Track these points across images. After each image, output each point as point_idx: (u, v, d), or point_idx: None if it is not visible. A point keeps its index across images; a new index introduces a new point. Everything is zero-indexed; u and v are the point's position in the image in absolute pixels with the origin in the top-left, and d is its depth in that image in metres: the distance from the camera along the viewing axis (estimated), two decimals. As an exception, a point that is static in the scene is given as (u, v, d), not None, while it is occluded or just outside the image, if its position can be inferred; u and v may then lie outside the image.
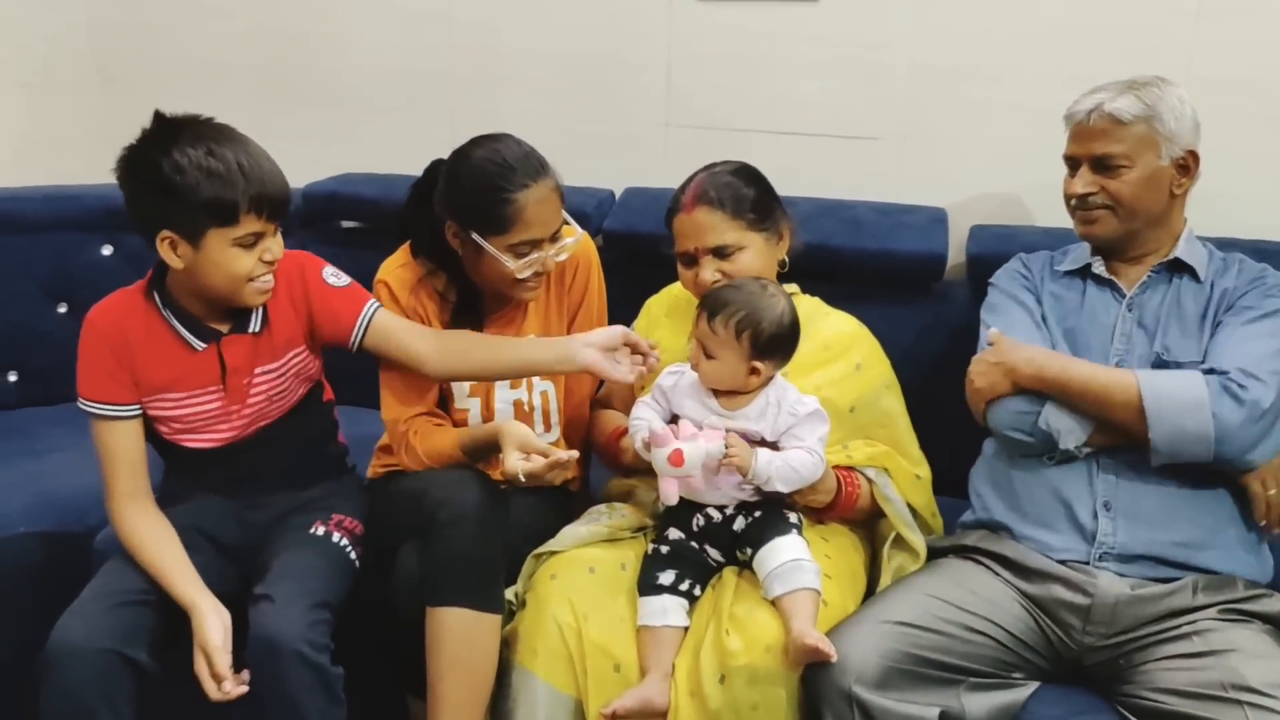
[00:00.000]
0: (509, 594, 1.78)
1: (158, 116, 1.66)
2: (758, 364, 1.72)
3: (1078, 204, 1.85)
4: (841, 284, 2.13)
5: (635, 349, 1.82)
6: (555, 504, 1.97)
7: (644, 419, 1.77)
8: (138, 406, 1.76)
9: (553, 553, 1.79)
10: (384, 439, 2.02)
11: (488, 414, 1.97)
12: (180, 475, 1.86)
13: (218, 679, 1.62)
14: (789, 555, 1.67)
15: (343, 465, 2.00)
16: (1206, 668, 1.57)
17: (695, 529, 1.77)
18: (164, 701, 1.67)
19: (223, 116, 1.69)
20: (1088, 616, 1.67)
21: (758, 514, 1.75)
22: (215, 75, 3.01)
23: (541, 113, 2.69)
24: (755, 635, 1.61)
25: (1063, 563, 1.72)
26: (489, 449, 1.80)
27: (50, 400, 2.63)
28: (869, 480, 1.85)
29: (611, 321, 2.10)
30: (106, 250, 2.69)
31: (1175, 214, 1.86)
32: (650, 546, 1.78)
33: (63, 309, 2.68)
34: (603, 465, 2.07)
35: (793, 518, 1.76)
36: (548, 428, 2.03)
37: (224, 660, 1.62)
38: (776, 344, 1.73)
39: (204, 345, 1.75)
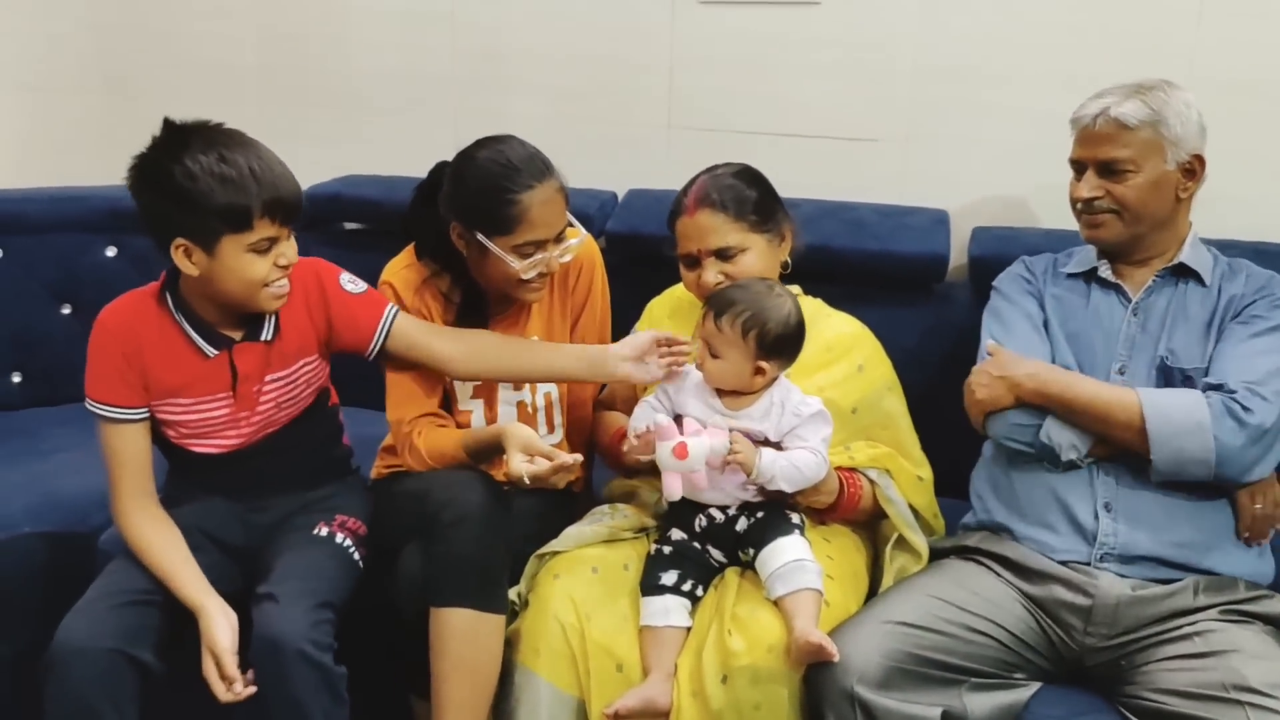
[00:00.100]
0: (512, 594, 1.78)
1: (167, 123, 1.65)
2: (763, 364, 1.73)
3: (1083, 208, 1.85)
4: (843, 285, 2.13)
5: (669, 344, 1.82)
6: (558, 504, 1.98)
7: (647, 416, 1.77)
8: (146, 409, 1.76)
9: (555, 553, 1.80)
10: (387, 440, 2.03)
11: (491, 415, 1.98)
12: (185, 478, 1.86)
13: (227, 681, 1.62)
14: (791, 556, 1.68)
15: (347, 467, 2.01)
16: (1208, 668, 1.57)
17: (698, 529, 1.77)
18: (168, 701, 1.68)
19: (225, 118, 1.69)
20: (1089, 617, 1.68)
21: (760, 515, 1.75)
22: (218, 77, 3.02)
23: (544, 114, 2.69)
24: (758, 635, 1.62)
25: (1064, 563, 1.73)
26: (492, 450, 1.81)
27: (54, 401, 2.64)
28: (871, 481, 1.86)
29: (615, 323, 2.11)
30: (111, 252, 2.70)
31: (1180, 218, 1.86)
32: (653, 547, 1.79)
33: (67, 310, 2.69)
34: (605, 466, 2.07)
35: (795, 518, 1.76)
36: (551, 429, 2.04)
37: (233, 662, 1.63)
38: (782, 344, 1.74)
39: (216, 352, 1.75)
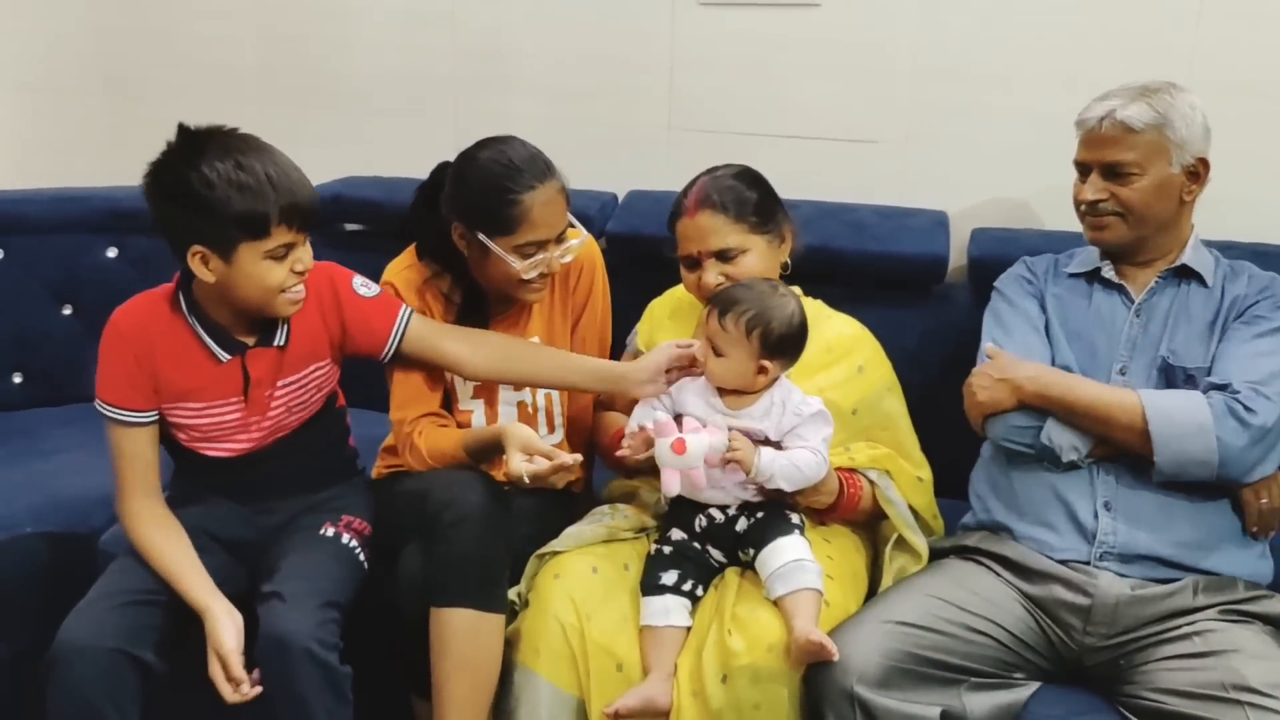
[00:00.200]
0: (512, 594, 1.78)
1: (182, 129, 1.64)
2: (766, 363, 1.73)
3: (1088, 210, 1.85)
4: (843, 286, 2.14)
5: (683, 355, 1.82)
6: (558, 505, 1.98)
7: (647, 415, 1.78)
8: (155, 412, 1.76)
9: (555, 553, 1.80)
10: (388, 440, 2.03)
11: (492, 415, 1.99)
12: (192, 479, 1.86)
13: (234, 682, 1.62)
14: (791, 555, 1.68)
15: (353, 467, 2.01)
16: (1207, 668, 1.57)
17: (698, 529, 1.77)
18: (169, 700, 1.68)
19: (226, 119, 1.68)
20: (1088, 617, 1.68)
21: (760, 515, 1.75)
22: (219, 78, 3.02)
23: (545, 115, 2.70)
24: (757, 635, 1.62)
25: (1063, 563, 1.73)
26: (492, 450, 1.81)
27: (55, 401, 2.64)
28: (871, 482, 1.86)
29: (615, 324, 2.12)
30: (112, 252, 2.70)
31: (1184, 220, 1.86)
32: (653, 547, 1.79)
33: (68, 310, 2.69)
34: (606, 466, 2.08)
35: (795, 518, 1.76)
36: (551, 429, 2.04)
37: (239, 663, 1.63)
38: (786, 343, 1.74)
39: (229, 357, 1.75)
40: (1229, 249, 1.94)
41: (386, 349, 1.86)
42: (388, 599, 1.77)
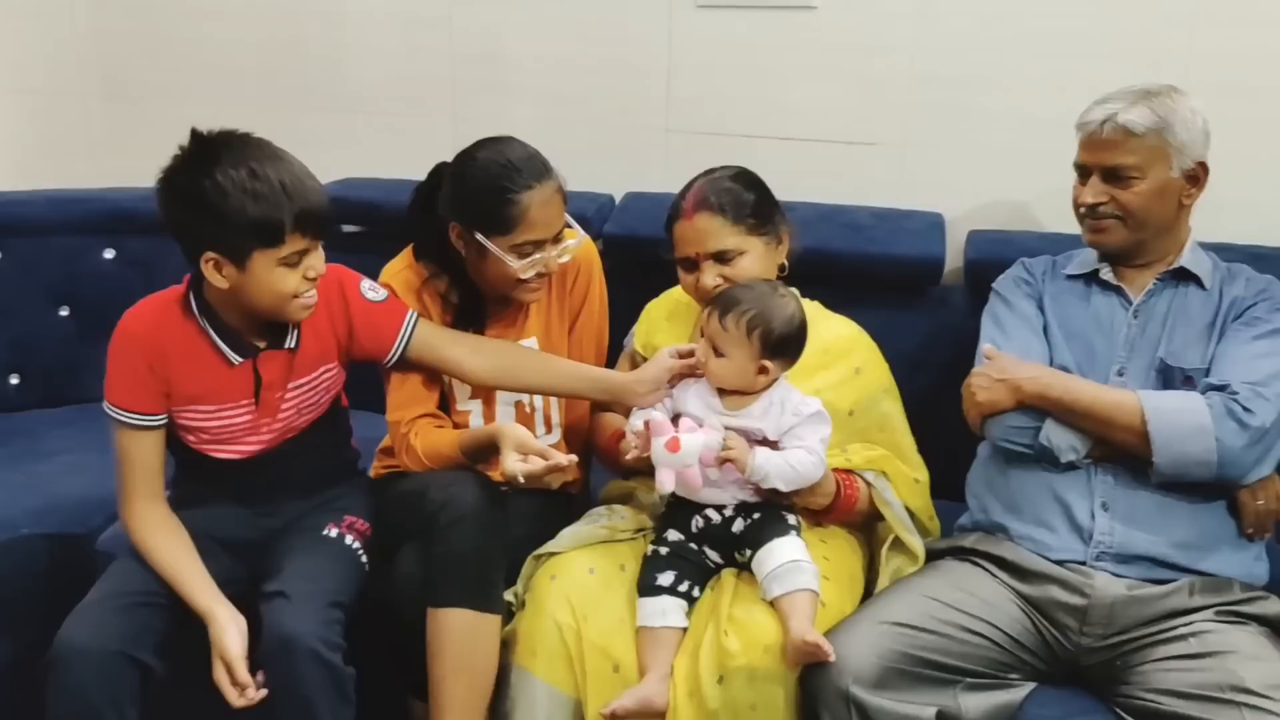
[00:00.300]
0: (508, 595, 1.79)
1: (195, 135, 1.63)
2: (767, 363, 1.74)
3: (1087, 213, 1.85)
4: (840, 288, 2.14)
5: (683, 358, 1.83)
6: (555, 506, 1.98)
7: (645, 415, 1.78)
8: (165, 416, 1.76)
9: (552, 554, 1.80)
10: (385, 441, 2.04)
11: (489, 415, 1.99)
12: (196, 482, 1.86)
13: (240, 686, 1.62)
14: (788, 556, 1.68)
15: (354, 468, 2.02)
16: (1204, 669, 1.58)
17: (694, 530, 1.78)
18: (168, 702, 1.68)
19: (224, 122, 1.68)
20: (1084, 617, 1.68)
21: (757, 515, 1.76)
22: (218, 81, 3.02)
23: (542, 118, 2.70)
24: (754, 636, 1.62)
25: (1060, 563, 1.73)
26: (488, 450, 1.81)
27: (53, 403, 2.65)
28: (867, 484, 1.86)
29: (612, 325, 2.12)
30: (109, 254, 2.70)
31: (1182, 223, 1.87)
32: (649, 548, 1.79)
33: (65, 312, 2.69)
34: (603, 467, 2.08)
35: (791, 519, 1.76)
36: (548, 429, 2.04)
37: (244, 668, 1.63)
38: (786, 344, 1.75)
39: (241, 360, 1.75)
40: (1225, 251, 1.94)
41: (391, 353, 1.87)
42: (385, 600, 1.77)
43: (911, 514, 1.89)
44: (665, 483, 1.69)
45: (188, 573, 1.71)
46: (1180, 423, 1.68)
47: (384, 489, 1.95)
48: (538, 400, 2.02)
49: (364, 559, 1.82)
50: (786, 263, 1.95)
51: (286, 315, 1.72)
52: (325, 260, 1.71)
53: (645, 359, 1.97)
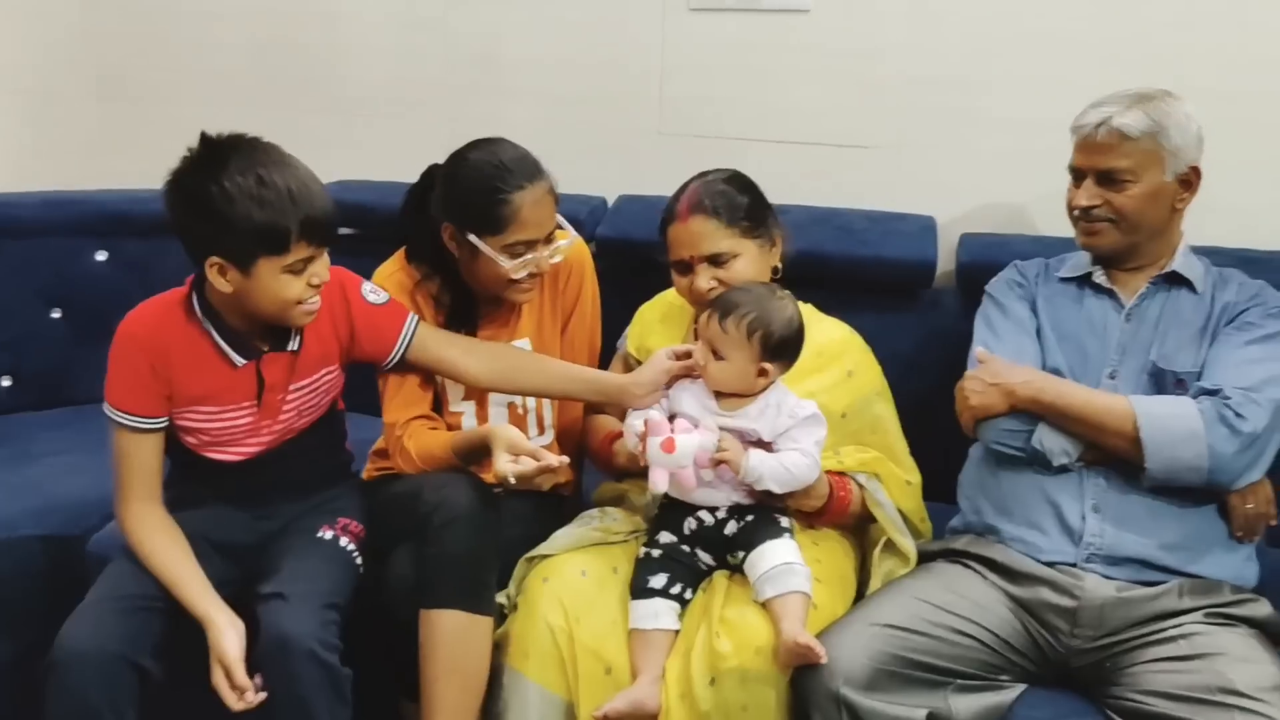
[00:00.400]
0: (500, 597, 1.79)
1: (205, 139, 1.63)
2: (767, 365, 1.74)
3: (1081, 215, 1.86)
4: (833, 291, 2.14)
5: (682, 360, 1.83)
6: (548, 508, 1.98)
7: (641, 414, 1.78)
8: (165, 419, 1.76)
9: (544, 556, 1.80)
10: (378, 443, 2.04)
11: (482, 416, 1.99)
12: (193, 484, 1.85)
13: (239, 690, 1.62)
14: (780, 558, 1.68)
15: (348, 470, 2.02)
16: (1193, 671, 1.58)
17: (687, 532, 1.78)
18: (166, 705, 1.68)
19: (219, 123, 1.68)
20: (1075, 619, 1.69)
21: (750, 518, 1.76)
22: (213, 82, 3.02)
23: (536, 120, 2.70)
24: (746, 638, 1.63)
25: (1050, 565, 1.74)
26: (480, 451, 1.81)
27: (45, 405, 2.64)
28: (860, 486, 1.87)
29: (605, 327, 2.13)
30: (101, 256, 2.70)
31: (1174, 227, 1.88)
32: (642, 550, 1.79)
33: (57, 314, 2.68)
34: (595, 469, 2.08)
35: (784, 521, 1.77)
36: (541, 431, 2.05)
37: (243, 672, 1.63)
38: (785, 346, 1.76)
39: (244, 362, 1.75)
40: (1214, 254, 1.95)
41: (392, 356, 1.87)
42: (377, 601, 1.77)
43: (904, 516, 1.89)
44: (659, 483, 1.70)
45: (186, 576, 1.71)
46: (1172, 428, 1.68)
47: (377, 491, 1.95)
48: (530, 402, 2.02)
49: (358, 561, 1.82)
50: (780, 265, 1.95)
51: (289, 321, 1.72)
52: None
53: (639, 362, 1.98)
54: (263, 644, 1.64)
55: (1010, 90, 2.34)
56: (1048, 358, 1.87)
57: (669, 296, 2.04)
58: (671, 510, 1.79)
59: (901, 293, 2.36)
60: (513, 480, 1.70)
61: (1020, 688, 1.68)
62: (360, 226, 2.74)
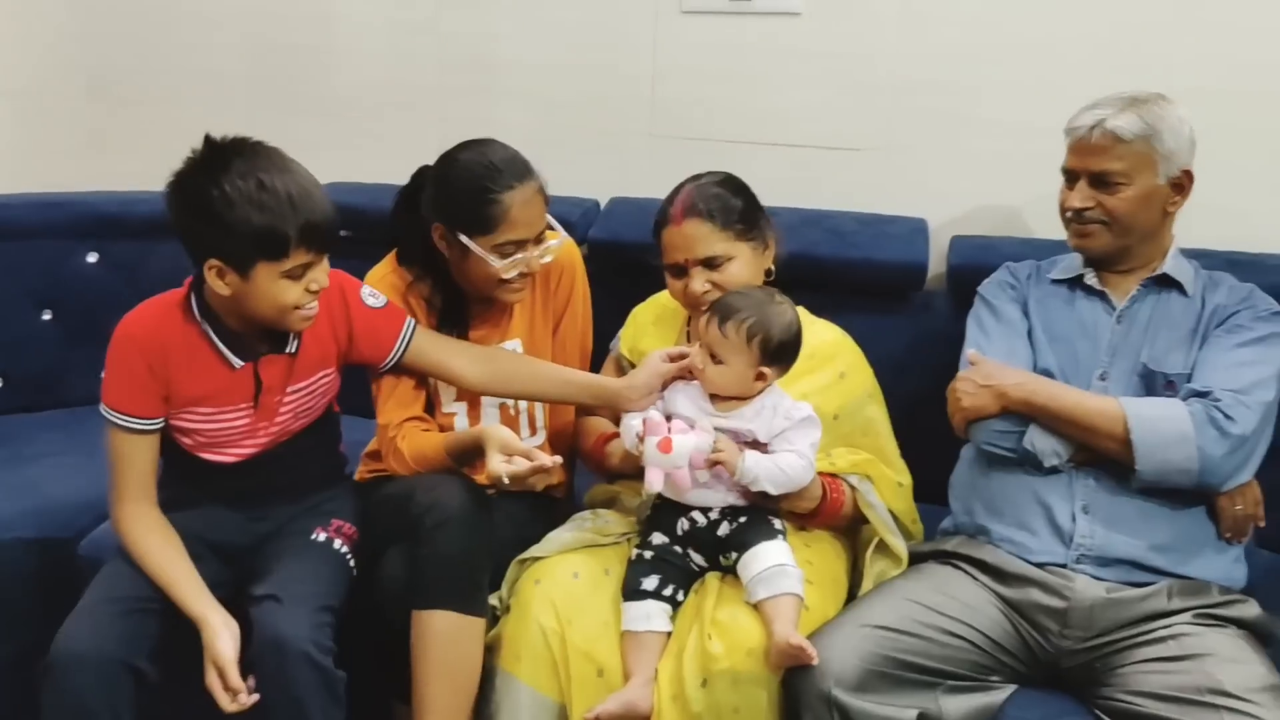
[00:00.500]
0: (493, 599, 1.79)
1: (208, 141, 1.63)
2: (765, 369, 1.75)
3: (1073, 217, 1.87)
4: (824, 293, 2.14)
5: (677, 360, 1.84)
6: (540, 510, 1.99)
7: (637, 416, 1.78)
8: (162, 420, 1.76)
9: (536, 558, 1.80)
10: (371, 445, 2.04)
11: (475, 418, 1.99)
12: (187, 485, 1.85)
13: (233, 691, 1.62)
14: (773, 560, 1.69)
15: (342, 472, 2.02)
16: (1183, 671, 1.59)
17: (680, 533, 1.78)
18: (161, 707, 1.68)
19: (211, 126, 1.67)
20: (1065, 620, 1.69)
21: (743, 519, 1.76)
22: (204, 84, 3.02)
23: (528, 122, 2.70)
24: (737, 639, 1.63)
25: (1041, 566, 1.74)
26: (473, 452, 1.81)
27: (37, 407, 2.63)
28: (852, 487, 1.87)
29: (597, 329, 2.13)
30: (92, 258, 2.69)
31: (1166, 230, 1.88)
32: (634, 552, 1.79)
33: (48, 316, 2.67)
34: (588, 471, 2.08)
35: (777, 523, 1.77)
36: (533, 431, 2.05)
37: (237, 673, 1.63)
38: (785, 351, 1.76)
39: (242, 363, 1.75)
40: (1204, 257, 1.96)
41: (388, 360, 1.88)
42: (369, 602, 1.77)
43: (895, 517, 1.90)
44: (654, 482, 1.70)
45: (181, 578, 1.70)
46: (1162, 430, 1.69)
47: (370, 492, 1.95)
48: (522, 403, 2.02)
49: (351, 563, 1.82)
50: (773, 267, 1.95)
51: (286, 326, 1.72)
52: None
53: (632, 364, 1.98)
54: (257, 646, 1.64)
55: (1001, 93, 2.34)
56: (1039, 359, 1.88)
57: (662, 299, 2.04)
58: (665, 511, 1.80)
59: (893, 295, 2.36)
60: (506, 480, 1.70)
61: (1010, 688, 1.69)
62: (351, 229, 2.72)
